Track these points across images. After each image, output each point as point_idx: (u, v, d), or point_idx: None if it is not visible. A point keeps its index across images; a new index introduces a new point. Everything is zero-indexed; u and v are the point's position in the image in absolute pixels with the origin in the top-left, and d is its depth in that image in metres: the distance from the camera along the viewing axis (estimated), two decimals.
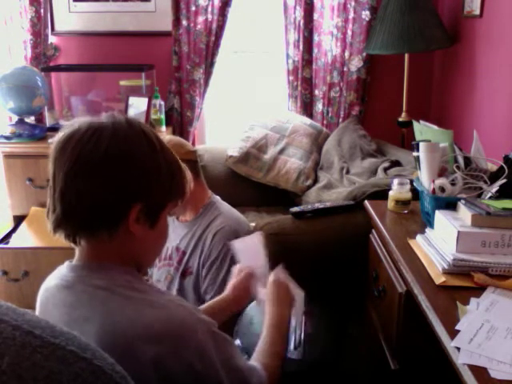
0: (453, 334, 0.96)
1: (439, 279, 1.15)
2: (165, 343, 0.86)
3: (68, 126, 0.92)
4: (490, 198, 1.37)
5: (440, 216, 1.30)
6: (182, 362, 0.87)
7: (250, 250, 1.40)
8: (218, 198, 1.80)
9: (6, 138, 2.62)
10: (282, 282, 1.29)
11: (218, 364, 0.91)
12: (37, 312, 1.00)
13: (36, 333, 0.65)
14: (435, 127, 1.62)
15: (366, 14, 2.79)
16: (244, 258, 1.39)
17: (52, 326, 0.69)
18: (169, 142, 1.60)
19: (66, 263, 0.97)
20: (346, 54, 2.87)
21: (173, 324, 0.88)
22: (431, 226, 1.38)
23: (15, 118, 2.70)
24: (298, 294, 1.33)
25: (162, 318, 0.88)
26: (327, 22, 2.86)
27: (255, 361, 1.08)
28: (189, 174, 1.04)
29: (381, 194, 1.74)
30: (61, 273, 0.96)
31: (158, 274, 1.79)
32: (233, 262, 1.67)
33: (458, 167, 1.45)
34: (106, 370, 0.67)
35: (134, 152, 0.90)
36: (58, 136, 0.91)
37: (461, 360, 0.89)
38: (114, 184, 0.88)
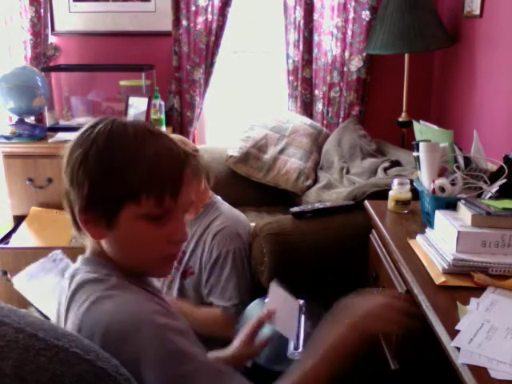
0: (453, 333, 0.96)
1: (439, 279, 1.15)
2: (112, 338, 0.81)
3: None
4: (490, 198, 1.37)
5: (440, 216, 1.30)
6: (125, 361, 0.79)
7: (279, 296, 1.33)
8: (218, 198, 1.80)
9: (6, 137, 2.62)
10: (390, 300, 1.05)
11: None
12: (55, 317, 0.99)
13: (39, 335, 0.65)
14: (435, 127, 1.62)
15: (365, 14, 2.79)
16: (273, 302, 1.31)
17: (55, 328, 0.69)
18: None
19: (79, 257, 0.99)
20: (346, 53, 2.87)
21: (123, 316, 0.82)
22: (431, 226, 1.38)
23: (15, 118, 2.70)
24: (294, 304, 1.32)
25: (118, 310, 0.83)
26: (327, 22, 2.86)
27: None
28: (201, 186, 0.97)
29: (381, 194, 1.74)
30: (73, 266, 0.98)
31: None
32: (234, 261, 1.67)
33: (458, 167, 1.45)
34: (110, 371, 0.67)
35: (118, 150, 0.88)
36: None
37: (461, 360, 0.89)
38: (73, 181, 0.90)
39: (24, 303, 2.27)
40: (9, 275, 1.82)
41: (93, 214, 0.89)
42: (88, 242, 0.96)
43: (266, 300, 1.36)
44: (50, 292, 1.72)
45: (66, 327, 0.89)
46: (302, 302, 1.38)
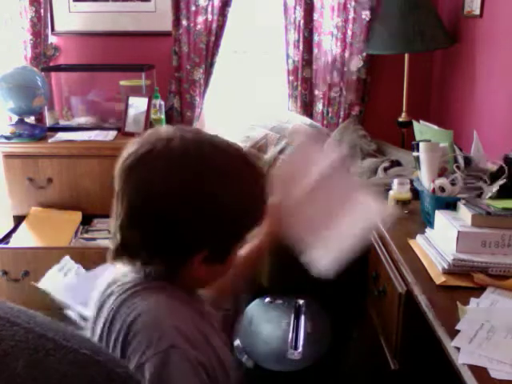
0: (453, 334, 0.96)
1: (439, 279, 1.15)
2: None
3: (137, 144, 0.83)
4: (490, 197, 1.37)
5: (440, 216, 1.30)
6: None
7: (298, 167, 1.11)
8: None
9: (6, 137, 2.61)
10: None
11: None
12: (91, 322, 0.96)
13: (49, 336, 0.65)
14: (435, 127, 1.62)
15: (365, 14, 2.79)
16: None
17: (64, 329, 0.68)
18: None
19: (129, 272, 0.91)
20: (346, 53, 2.87)
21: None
22: (431, 226, 1.38)
23: (15, 118, 2.70)
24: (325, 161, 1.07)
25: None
26: (327, 22, 2.85)
27: None
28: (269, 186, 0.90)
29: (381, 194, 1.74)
30: (118, 270, 0.93)
31: None
32: None
33: (458, 167, 1.45)
34: (120, 373, 0.67)
35: (203, 195, 0.81)
36: (126, 154, 0.83)
37: (461, 360, 0.89)
38: (184, 228, 0.81)
39: (24, 303, 2.27)
40: (32, 282, 1.81)
41: (212, 256, 0.86)
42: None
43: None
44: (79, 293, 1.70)
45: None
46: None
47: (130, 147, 0.84)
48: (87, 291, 1.59)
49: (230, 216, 0.83)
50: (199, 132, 0.90)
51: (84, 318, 1.59)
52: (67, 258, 1.95)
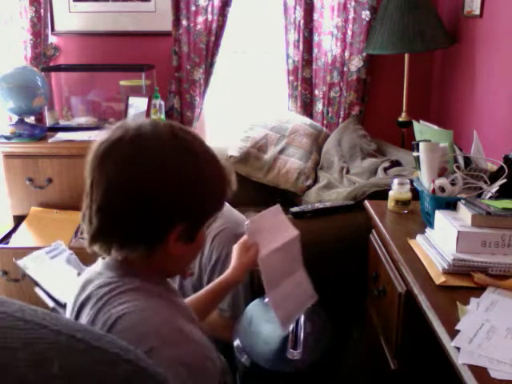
0: (453, 333, 0.96)
1: (439, 279, 1.15)
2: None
3: (108, 133, 0.88)
4: (490, 198, 1.37)
5: (440, 216, 1.30)
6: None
7: (269, 225, 1.34)
8: None
9: (6, 137, 2.61)
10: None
11: None
12: (68, 311, 0.99)
13: (78, 336, 0.65)
14: (435, 127, 1.62)
15: (365, 14, 2.79)
16: (262, 235, 1.32)
17: (91, 329, 0.69)
18: None
19: (100, 260, 0.95)
20: (346, 53, 2.87)
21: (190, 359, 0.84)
22: (431, 226, 1.38)
23: (15, 118, 2.70)
24: (291, 236, 1.32)
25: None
26: (327, 22, 2.85)
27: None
28: (233, 177, 1.01)
29: (381, 194, 1.74)
30: (92, 269, 0.96)
31: None
32: None
33: (458, 167, 1.45)
34: (150, 371, 0.68)
35: (180, 169, 0.85)
36: (97, 142, 0.87)
37: (461, 360, 0.89)
38: (156, 204, 0.85)
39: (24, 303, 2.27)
40: (14, 259, 1.82)
41: (186, 232, 0.89)
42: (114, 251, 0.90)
43: (259, 215, 1.35)
44: (57, 275, 1.71)
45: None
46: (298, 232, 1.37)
47: (101, 137, 0.88)
48: (67, 279, 1.59)
49: (201, 191, 0.89)
50: (168, 121, 0.95)
51: (54, 300, 1.60)
52: (59, 242, 1.94)
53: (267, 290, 1.29)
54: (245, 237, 1.33)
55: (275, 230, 1.34)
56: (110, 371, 0.64)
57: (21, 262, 1.80)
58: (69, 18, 2.96)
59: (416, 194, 1.54)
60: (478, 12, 2.38)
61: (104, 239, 0.88)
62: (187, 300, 1.27)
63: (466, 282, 1.14)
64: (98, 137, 0.88)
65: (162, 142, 0.86)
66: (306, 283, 1.36)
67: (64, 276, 1.71)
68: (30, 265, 1.79)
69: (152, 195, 0.84)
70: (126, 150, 0.85)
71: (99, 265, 0.95)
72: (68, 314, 0.98)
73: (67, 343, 0.64)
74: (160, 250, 0.89)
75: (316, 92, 2.97)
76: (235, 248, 1.34)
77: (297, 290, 1.34)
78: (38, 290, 1.65)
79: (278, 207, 1.39)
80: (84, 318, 0.90)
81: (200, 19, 2.84)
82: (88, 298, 0.91)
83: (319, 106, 2.97)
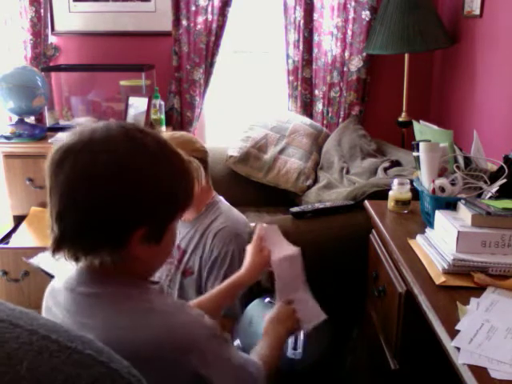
0: (453, 333, 0.96)
1: (439, 279, 1.15)
2: (166, 350, 0.87)
3: (61, 140, 0.88)
4: (490, 198, 1.37)
5: (440, 216, 1.30)
6: (186, 366, 0.89)
7: (289, 266, 1.38)
8: (220, 197, 1.80)
9: (6, 137, 2.62)
10: (289, 307, 1.32)
11: (220, 367, 0.94)
12: (42, 310, 1.00)
13: (52, 337, 0.65)
14: (435, 127, 1.62)
15: (365, 14, 2.79)
16: (283, 274, 1.36)
17: (67, 330, 0.69)
18: (179, 138, 1.59)
19: (74, 267, 0.95)
20: (346, 53, 2.87)
21: (176, 332, 0.89)
22: (431, 226, 1.38)
23: (15, 118, 2.70)
24: (294, 251, 1.36)
25: (166, 325, 0.89)
26: (327, 22, 2.85)
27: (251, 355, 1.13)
28: (199, 172, 1.02)
29: (381, 194, 1.74)
30: (67, 274, 0.95)
31: (159, 272, 1.79)
32: (233, 261, 1.67)
33: (458, 167, 1.45)
34: (122, 373, 0.67)
35: (133, 173, 0.84)
36: (54, 150, 0.88)
37: (461, 360, 0.89)
38: (116, 213, 0.84)
39: (24, 303, 2.26)
40: (24, 259, 1.83)
41: (149, 234, 0.88)
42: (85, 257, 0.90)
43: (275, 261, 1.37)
44: (70, 268, 1.74)
45: None
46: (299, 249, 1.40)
47: (55, 145, 0.88)
48: None
49: (164, 193, 0.88)
50: (123, 123, 0.94)
51: None
52: None
53: (279, 293, 1.33)
54: (258, 238, 1.37)
55: (280, 243, 1.38)
56: (81, 372, 0.64)
57: (33, 260, 1.81)
58: (69, 17, 2.96)
59: (416, 193, 1.54)
60: (478, 12, 2.38)
61: (67, 247, 0.87)
62: (199, 299, 1.31)
63: (466, 281, 1.14)
64: (55, 142, 0.89)
65: (114, 146, 0.84)
66: (312, 302, 1.37)
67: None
68: (42, 261, 1.80)
69: (106, 201, 0.83)
70: (78, 159, 0.84)
71: (73, 271, 0.94)
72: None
73: (40, 343, 0.64)
74: (126, 254, 0.88)
75: (316, 92, 2.97)
76: (249, 248, 1.38)
77: (302, 305, 1.35)
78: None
79: (275, 227, 1.43)
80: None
81: (200, 19, 2.84)
82: (63, 306, 0.93)
83: (319, 106, 2.97)
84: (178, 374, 0.89)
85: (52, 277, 1.69)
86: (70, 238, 0.86)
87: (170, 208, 0.91)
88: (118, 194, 0.84)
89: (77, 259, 0.88)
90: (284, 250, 1.36)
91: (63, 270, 0.97)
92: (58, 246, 0.87)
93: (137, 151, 0.86)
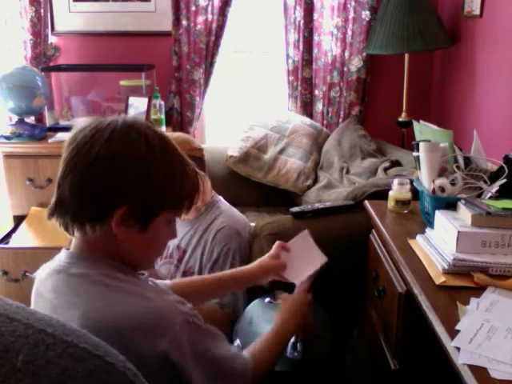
0: (453, 333, 0.96)
1: (439, 279, 1.15)
2: (139, 331, 0.89)
3: (76, 126, 0.97)
4: (490, 197, 1.37)
5: (440, 216, 1.30)
6: (155, 350, 0.89)
7: (302, 247, 1.42)
8: (220, 197, 1.81)
9: (6, 137, 2.62)
10: (305, 300, 1.34)
11: (194, 355, 0.94)
12: (32, 297, 1.03)
13: (48, 331, 0.66)
14: (435, 127, 1.61)
15: (365, 14, 2.79)
16: (296, 254, 1.40)
17: (63, 324, 0.69)
18: (177, 139, 1.60)
19: (63, 249, 1.00)
20: (346, 53, 2.87)
21: (150, 314, 0.91)
22: (431, 226, 1.38)
23: (15, 118, 2.70)
24: (319, 258, 1.40)
25: (141, 307, 0.91)
26: (327, 22, 2.86)
27: (246, 350, 1.12)
28: (207, 185, 1.05)
29: (381, 194, 1.74)
30: (57, 258, 1.00)
31: (160, 271, 1.79)
32: (234, 260, 1.67)
33: (458, 167, 1.45)
34: (118, 367, 0.68)
35: (123, 157, 0.91)
36: (69, 133, 0.97)
37: (461, 360, 0.89)
38: (100, 185, 0.91)
39: (24, 302, 2.26)
40: (26, 274, 1.82)
41: (131, 217, 0.93)
42: (79, 236, 0.97)
43: (292, 240, 1.42)
44: None
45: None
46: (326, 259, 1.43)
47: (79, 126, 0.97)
48: None
49: (151, 184, 0.93)
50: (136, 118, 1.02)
51: None
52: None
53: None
54: (279, 245, 1.39)
55: (306, 257, 1.42)
56: (76, 365, 0.64)
57: (36, 274, 1.81)
58: (69, 18, 2.96)
59: (416, 193, 1.54)
60: (477, 12, 2.38)
61: (58, 213, 0.95)
62: (191, 279, 1.39)
63: (466, 281, 1.14)
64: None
65: (113, 133, 0.92)
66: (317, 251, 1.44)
67: None
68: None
69: (91, 177, 0.91)
70: (81, 139, 0.93)
71: (62, 255, 0.99)
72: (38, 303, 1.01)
73: (35, 337, 0.65)
74: (109, 232, 0.93)
75: (316, 92, 2.97)
76: (274, 246, 1.39)
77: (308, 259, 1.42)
78: None
79: (306, 233, 1.46)
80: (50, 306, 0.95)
81: (200, 19, 2.84)
82: (52, 289, 0.96)
83: (319, 106, 2.97)
84: (146, 357, 0.88)
85: None
86: (61, 205, 0.94)
87: (154, 199, 0.95)
88: (102, 175, 0.91)
89: (66, 228, 0.96)
90: (311, 264, 1.39)
91: (38, 275, 1.01)
92: (52, 211, 0.96)
93: (136, 142, 0.92)
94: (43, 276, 1.00)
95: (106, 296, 0.92)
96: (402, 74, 2.74)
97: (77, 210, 0.93)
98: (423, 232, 1.37)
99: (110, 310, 0.90)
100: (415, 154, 1.49)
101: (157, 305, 0.93)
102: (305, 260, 1.40)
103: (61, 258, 0.99)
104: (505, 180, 1.37)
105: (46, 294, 0.98)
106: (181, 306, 0.95)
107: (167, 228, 1.00)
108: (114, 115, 0.97)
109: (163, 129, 2.79)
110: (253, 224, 1.87)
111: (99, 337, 0.74)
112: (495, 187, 1.38)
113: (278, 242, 1.40)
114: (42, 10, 2.86)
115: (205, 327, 0.99)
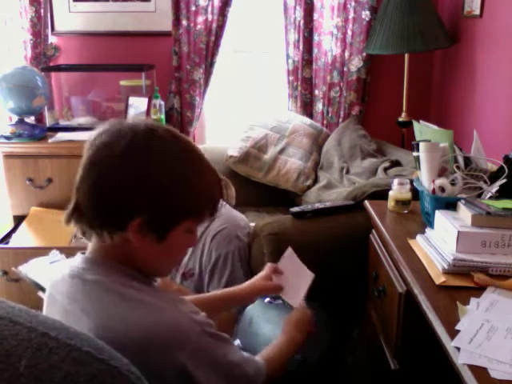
0: (453, 333, 0.96)
1: (439, 279, 1.15)
2: (156, 344, 0.87)
3: (97, 129, 0.96)
4: (490, 197, 1.37)
5: (440, 216, 1.30)
6: (173, 363, 0.88)
7: (291, 267, 1.43)
8: None
9: (6, 137, 2.61)
10: (307, 313, 1.35)
11: (210, 364, 0.93)
12: (45, 298, 1.02)
13: (51, 334, 0.65)
14: (435, 127, 1.62)
15: (365, 14, 2.79)
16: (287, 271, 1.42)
17: (66, 328, 0.69)
18: None
19: (78, 254, 0.99)
20: (346, 53, 2.87)
21: (166, 326, 0.89)
22: (431, 226, 1.38)
23: (15, 118, 2.70)
24: (307, 274, 1.42)
25: (154, 318, 0.89)
26: (327, 22, 2.85)
27: (259, 355, 1.12)
28: (231, 192, 1.04)
29: (381, 194, 1.74)
30: (71, 262, 0.99)
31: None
32: (234, 263, 1.67)
33: (458, 167, 1.45)
34: (122, 370, 0.67)
35: (144, 169, 0.90)
36: (93, 132, 0.96)
37: (461, 360, 0.89)
38: (118, 196, 0.90)
39: (24, 303, 2.26)
40: (13, 268, 1.83)
41: (149, 227, 0.92)
42: (95, 241, 0.96)
43: (281, 261, 1.43)
44: None
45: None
46: (313, 275, 1.45)
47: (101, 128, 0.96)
48: None
49: (167, 190, 0.91)
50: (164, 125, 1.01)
51: None
52: (55, 251, 1.96)
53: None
54: (271, 268, 1.38)
55: (297, 276, 1.43)
56: (79, 369, 0.64)
57: (21, 268, 1.80)
58: (69, 18, 2.96)
59: (416, 193, 1.54)
60: (477, 12, 2.38)
61: (76, 219, 0.94)
62: (197, 297, 1.32)
63: (466, 281, 1.14)
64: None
65: (136, 141, 0.91)
66: (304, 268, 1.46)
67: None
68: (30, 270, 1.79)
69: (108, 188, 0.90)
70: (102, 142, 0.92)
71: (78, 260, 0.98)
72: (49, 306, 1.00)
73: (38, 340, 0.64)
74: (126, 241, 0.92)
75: (316, 92, 2.97)
76: (266, 267, 1.38)
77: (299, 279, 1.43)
78: (41, 294, 1.65)
79: (290, 250, 1.47)
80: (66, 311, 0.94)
81: (200, 19, 2.84)
82: (66, 294, 0.95)
83: (319, 106, 2.97)
84: (164, 370, 0.88)
85: (40, 287, 1.69)
86: (79, 210, 0.93)
87: (173, 210, 0.93)
88: (120, 185, 0.89)
89: (84, 233, 0.95)
90: (303, 282, 1.41)
91: (52, 278, 1.00)
92: (69, 217, 0.94)
93: (157, 153, 0.91)
94: (57, 279, 0.99)
95: (119, 306, 0.90)
96: (402, 74, 2.74)
97: (94, 218, 0.92)
98: (423, 232, 1.37)
99: (121, 319, 0.88)
100: (415, 154, 1.49)
101: (172, 316, 0.92)
102: (297, 279, 1.41)
103: (76, 262, 0.97)
104: (505, 180, 1.37)
105: (59, 297, 0.96)
106: (195, 316, 0.94)
107: (187, 237, 0.98)
108: (118, 117, 0.97)
109: None
110: (253, 224, 1.87)
111: (109, 344, 0.73)
112: (495, 187, 1.38)
113: (269, 264, 1.39)
114: (41, 10, 2.86)
115: (218, 334, 0.98)
